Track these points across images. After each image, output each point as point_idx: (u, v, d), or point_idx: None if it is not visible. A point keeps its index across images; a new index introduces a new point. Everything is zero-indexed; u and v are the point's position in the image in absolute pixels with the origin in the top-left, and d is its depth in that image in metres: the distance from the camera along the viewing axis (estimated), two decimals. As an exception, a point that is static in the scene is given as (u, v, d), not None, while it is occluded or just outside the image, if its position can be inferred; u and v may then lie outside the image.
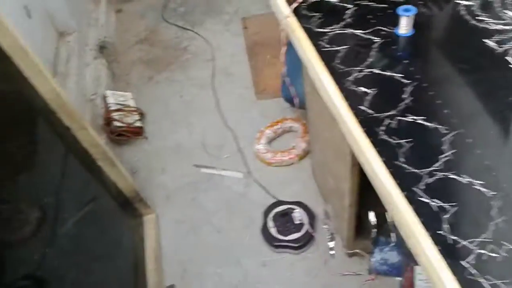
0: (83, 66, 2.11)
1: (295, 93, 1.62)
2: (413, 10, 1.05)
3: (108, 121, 1.97)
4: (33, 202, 1.49)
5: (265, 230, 1.61)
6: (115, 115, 1.98)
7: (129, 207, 1.65)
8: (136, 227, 1.69)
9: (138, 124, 2.03)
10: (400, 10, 1.06)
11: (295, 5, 1.16)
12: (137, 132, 2.02)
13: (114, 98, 2.06)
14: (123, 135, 1.98)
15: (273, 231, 1.60)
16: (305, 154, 1.84)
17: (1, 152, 1.30)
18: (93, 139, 1.35)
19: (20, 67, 1.07)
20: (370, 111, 0.93)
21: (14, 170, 1.41)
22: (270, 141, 1.92)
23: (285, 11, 1.16)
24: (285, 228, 1.59)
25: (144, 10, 2.72)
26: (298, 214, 1.61)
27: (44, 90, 1.14)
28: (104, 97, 2.05)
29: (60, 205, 1.52)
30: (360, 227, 1.45)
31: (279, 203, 1.68)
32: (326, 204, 1.65)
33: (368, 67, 1.02)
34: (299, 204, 1.66)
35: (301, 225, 1.59)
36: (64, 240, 1.50)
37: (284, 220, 1.61)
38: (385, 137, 0.88)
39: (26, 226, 1.43)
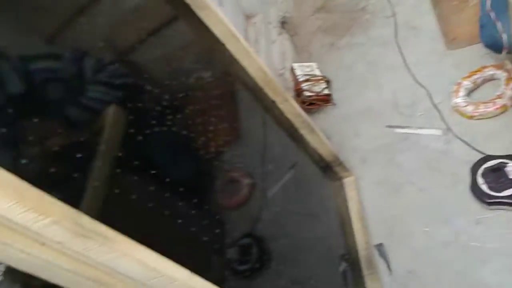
0: (269, 44, 2.26)
1: (502, 28, 1.44)
2: None
3: (298, 92, 2.08)
4: (245, 170, 1.68)
5: (475, 187, 1.52)
6: (304, 85, 2.08)
7: (329, 171, 1.74)
8: (337, 189, 1.77)
9: (326, 91, 2.09)
10: None
11: None
12: (326, 100, 2.09)
13: (300, 69, 2.15)
14: (313, 104, 2.07)
15: (484, 187, 1.50)
16: (513, 102, 1.66)
17: (216, 127, 1.49)
18: (294, 110, 1.45)
19: (232, 51, 1.20)
20: None
21: (228, 140, 1.60)
22: (469, 92, 1.78)
23: None
24: (498, 184, 1.47)
25: (317, -22, 2.74)
26: (512, 168, 1.48)
27: (252, 69, 1.26)
28: (292, 70, 2.16)
29: (268, 171, 1.68)
30: None
31: (488, 157, 1.56)
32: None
33: None
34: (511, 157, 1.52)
35: (517, 179, 1.46)
36: (274, 202, 1.65)
37: (496, 176, 1.49)
38: None
39: (241, 192, 1.63)
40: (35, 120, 1.13)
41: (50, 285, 0.75)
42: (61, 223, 0.50)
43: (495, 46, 1.65)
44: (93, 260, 0.55)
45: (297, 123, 1.50)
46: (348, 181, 1.76)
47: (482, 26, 1.69)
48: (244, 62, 1.23)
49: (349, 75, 2.16)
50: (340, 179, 1.77)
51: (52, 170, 0.86)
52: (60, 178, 0.88)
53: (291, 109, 1.44)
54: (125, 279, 0.60)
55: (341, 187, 1.76)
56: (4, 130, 0.88)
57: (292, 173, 1.70)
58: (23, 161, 0.80)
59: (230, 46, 1.18)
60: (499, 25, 1.44)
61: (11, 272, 0.63)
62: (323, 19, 2.51)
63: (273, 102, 1.39)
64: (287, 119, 1.48)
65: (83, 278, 0.58)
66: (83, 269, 0.56)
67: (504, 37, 1.48)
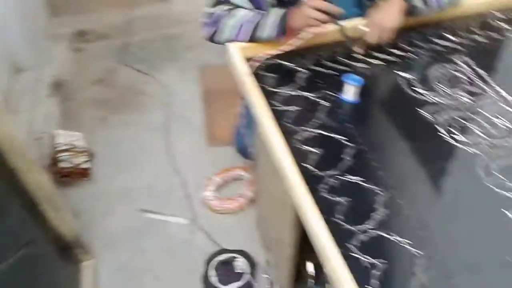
0: (34, 104, 2.09)
1: (248, 141, 1.66)
2: (358, 81, 1.14)
3: (55, 161, 1.94)
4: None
5: (206, 279, 1.60)
6: (62, 155, 1.95)
7: (67, 252, 1.60)
8: (73, 273, 1.63)
9: (85, 165, 2.00)
10: (344, 77, 1.15)
11: (254, 65, 1.24)
12: (83, 174, 1.99)
13: (63, 137, 2.03)
14: (68, 176, 1.94)
15: (214, 280, 1.59)
16: (251, 203, 1.87)
17: None
18: (39, 182, 1.32)
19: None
20: (313, 169, 0.98)
21: None
22: (218, 188, 1.94)
23: (242, 70, 1.23)
24: (227, 277, 1.59)
25: (104, 51, 2.73)
26: (240, 263, 1.62)
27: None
28: (53, 137, 2.01)
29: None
30: (299, 276, 1.47)
31: (223, 251, 1.68)
32: (268, 253, 1.67)
33: (316, 128, 1.09)
34: (241, 252, 1.67)
35: (241, 274, 1.59)
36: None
37: (227, 269, 1.61)
38: (325, 194, 0.93)
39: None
40: None
41: None
42: None
43: (243, 153, 1.88)
44: None
45: (39, 196, 1.36)
46: (87, 265, 1.65)
47: (236, 134, 1.91)
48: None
49: (115, 153, 2.13)
50: (78, 262, 1.64)
51: None
52: None
53: (35, 180, 1.31)
54: None
55: (78, 272, 1.63)
56: None
57: (25, 251, 1.51)
58: None
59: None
60: (247, 138, 1.65)
61: None
62: (100, 92, 2.48)
63: (13, 169, 1.24)
64: (28, 191, 1.33)
65: None
66: None
67: (252, 150, 1.70)
